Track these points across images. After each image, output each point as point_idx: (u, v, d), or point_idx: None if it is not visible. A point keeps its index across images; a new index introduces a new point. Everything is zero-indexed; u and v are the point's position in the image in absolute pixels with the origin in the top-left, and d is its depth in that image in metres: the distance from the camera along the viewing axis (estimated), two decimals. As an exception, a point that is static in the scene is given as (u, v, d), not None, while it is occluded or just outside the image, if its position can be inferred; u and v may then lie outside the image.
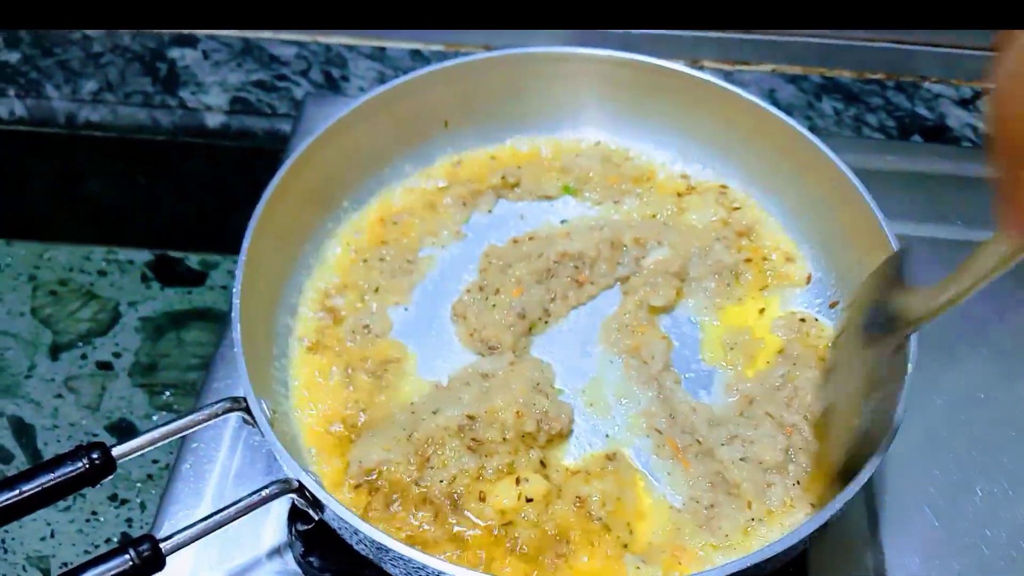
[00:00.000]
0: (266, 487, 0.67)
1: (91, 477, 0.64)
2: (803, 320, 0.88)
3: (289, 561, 0.81)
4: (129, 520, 1.18)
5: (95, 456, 0.64)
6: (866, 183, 0.87)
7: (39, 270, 1.38)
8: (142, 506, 1.19)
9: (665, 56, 1.00)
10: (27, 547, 1.17)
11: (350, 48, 1.28)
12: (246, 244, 0.80)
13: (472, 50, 1.26)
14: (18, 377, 1.28)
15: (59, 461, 0.64)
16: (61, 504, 1.19)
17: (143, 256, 1.39)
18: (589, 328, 0.90)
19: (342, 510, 0.65)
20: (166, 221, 1.39)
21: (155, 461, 1.22)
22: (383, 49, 1.28)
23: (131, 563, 0.60)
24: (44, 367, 1.30)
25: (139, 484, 1.20)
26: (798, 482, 0.76)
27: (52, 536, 1.17)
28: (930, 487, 0.87)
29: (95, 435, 1.24)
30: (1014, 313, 0.99)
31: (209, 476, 0.86)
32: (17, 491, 0.62)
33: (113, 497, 1.20)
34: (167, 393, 1.28)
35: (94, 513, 1.19)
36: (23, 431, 1.25)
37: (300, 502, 0.69)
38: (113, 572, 0.60)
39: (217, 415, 0.70)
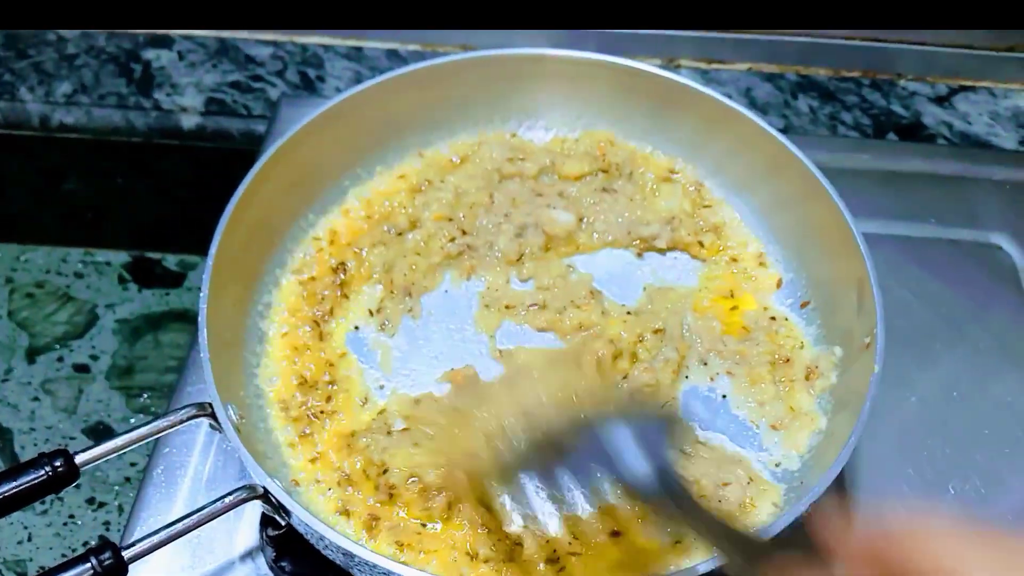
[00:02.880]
0: (231, 493, 0.66)
1: (54, 485, 0.64)
2: (773, 318, 0.88)
3: (261, 566, 0.80)
4: (107, 523, 1.18)
5: (58, 464, 0.64)
6: (840, 182, 0.87)
7: (15, 272, 1.37)
8: (120, 509, 1.19)
9: (641, 55, 1.00)
10: (4, 551, 1.16)
11: (326, 48, 1.27)
12: (214, 247, 0.79)
13: (449, 50, 1.26)
14: (-6, 380, 1.28)
15: (21, 469, 0.63)
16: (38, 507, 1.18)
17: (120, 258, 1.38)
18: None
19: (307, 516, 0.65)
20: (143, 223, 1.39)
21: (133, 464, 1.22)
22: (359, 49, 1.27)
23: (92, 571, 0.59)
24: (21, 370, 1.29)
25: (116, 487, 1.20)
26: (751, 479, 0.76)
27: (29, 539, 1.17)
28: (904, 485, 0.87)
29: (72, 438, 1.24)
30: (990, 312, 1.00)
31: (181, 481, 0.85)
32: (-22, 499, 0.61)
33: (91, 500, 1.19)
34: (144, 396, 1.27)
35: (71, 516, 1.18)
36: (0, 434, 1.24)
37: (267, 508, 0.69)
38: (75, 580, 0.59)
39: (182, 421, 0.69)
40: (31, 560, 1.16)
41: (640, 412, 0.69)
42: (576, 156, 1.00)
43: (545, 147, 1.02)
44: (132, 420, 1.26)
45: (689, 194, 0.98)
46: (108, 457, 0.68)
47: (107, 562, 0.60)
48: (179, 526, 0.64)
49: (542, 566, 0.73)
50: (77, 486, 1.17)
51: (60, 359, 1.30)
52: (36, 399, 1.26)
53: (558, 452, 0.66)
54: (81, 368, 1.29)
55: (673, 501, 0.59)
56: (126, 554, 0.62)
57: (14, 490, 0.62)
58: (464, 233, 0.94)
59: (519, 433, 0.67)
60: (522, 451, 0.67)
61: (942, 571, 0.40)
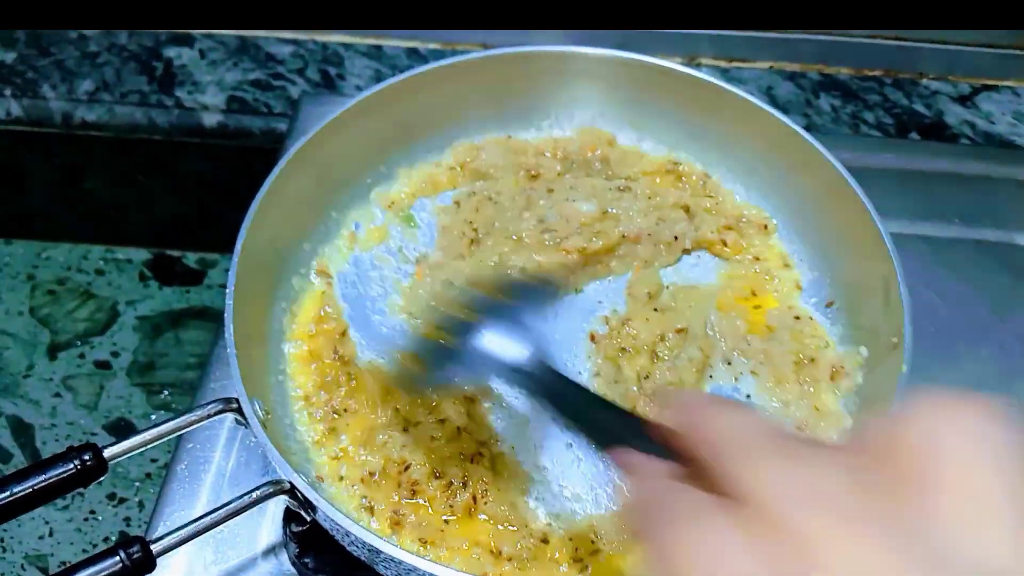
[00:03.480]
0: (257, 488, 0.67)
1: (82, 479, 0.64)
2: (797, 318, 0.88)
3: (284, 562, 0.81)
4: (127, 519, 1.19)
5: (86, 457, 0.64)
6: (863, 181, 0.87)
7: (37, 269, 1.38)
8: (140, 505, 1.20)
9: (661, 53, 0.99)
10: (25, 546, 1.17)
11: (347, 46, 1.28)
12: (240, 243, 0.80)
13: (469, 48, 1.26)
14: (16, 376, 1.29)
15: (50, 463, 0.63)
16: (59, 503, 1.19)
17: (141, 255, 1.39)
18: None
19: (333, 512, 0.65)
20: (164, 220, 1.39)
21: (154, 460, 1.23)
22: (379, 47, 1.28)
23: (121, 565, 0.60)
24: (42, 366, 1.30)
25: (137, 483, 1.20)
26: None
27: (50, 535, 1.17)
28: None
29: (94, 434, 1.24)
30: (1014, 312, 0.99)
31: (205, 477, 0.86)
32: (8, 492, 0.62)
33: (111, 496, 1.20)
34: (165, 392, 1.28)
35: (92, 512, 1.19)
36: (22, 430, 1.25)
37: (292, 503, 0.69)
38: (104, 574, 0.60)
39: (209, 416, 0.69)
40: (52, 555, 1.16)
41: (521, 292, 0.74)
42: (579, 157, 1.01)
43: (570, 143, 1.02)
44: (153, 416, 1.26)
45: (709, 193, 0.98)
46: (137, 451, 0.68)
47: (136, 556, 0.60)
48: (207, 520, 0.64)
49: (565, 567, 0.73)
50: (99, 482, 1.18)
51: (81, 356, 1.31)
52: (58, 395, 1.27)
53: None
54: (102, 365, 1.30)
55: (544, 383, 0.64)
56: (154, 548, 0.62)
57: (43, 483, 0.63)
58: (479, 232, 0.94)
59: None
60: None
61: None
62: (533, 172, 0.99)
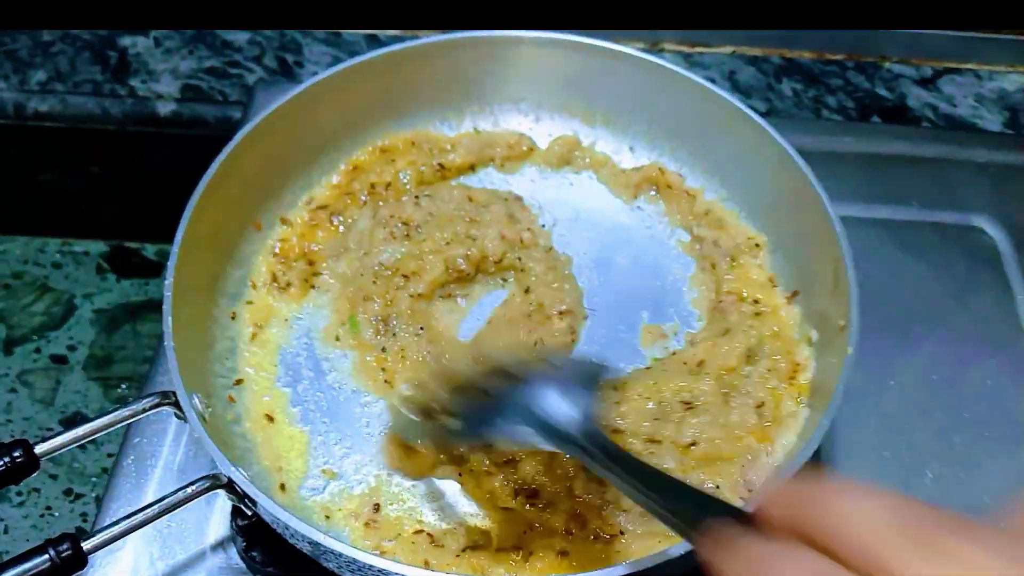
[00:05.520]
0: (192, 483, 0.65)
1: (12, 475, 0.63)
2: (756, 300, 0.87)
3: (233, 556, 0.79)
4: (84, 515, 1.17)
5: (16, 455, 0.63)
6: (823, 165, 0.85)
7: (-7, 263, 1.36)
8: (97, 500, 1.18)
9: (623, 39, 0.98)
10: (-19, 543, 1.15)
11: (304, 33, 1.26)
12: (181, 230, 0.78)
13: (427, 34, 1.24)
14: (-29, 372, 1.27)
15: (-22, 460, 0.62)
16: (15, 499, 1.17)
17: (98, 247, 1.37)
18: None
19: (272, 506, 0.64)
20: (121, 212, 1.37)
21: (111, 455, 1.21)
22: (338, 34, 1.26)
23: (50, 563, 0.58)
24: (-3, 361, 1.28)
25: (94, 479, 1.19)
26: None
27: (6, 532, 1.16)
28: (882, 469, 0.86)
29: (49, 429, 1.23)
30: (971, 295, 0.99)
31: (152, 472, 0.84)
32: (-66, 491, 0.60)
33: (68, 492, 1.18)
34: (123, 386, 1.26)
35: (48, 508, 1.17)
36: (-23, 426, 1.23)
37: (232, 498, 0.68)
38: (32, 572, 0.58)
39: (145, 410, 0.68)
40: (7, 552, 1.15)
41: (567, 366, 0.69)
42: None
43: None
44: (110, 411, 1.25)
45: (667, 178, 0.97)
46: (71, 447, 0.66)
47: (65, 553, 0.59)
48: (140, 516, 0.63)
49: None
50: (54, 477, 1.16)
51: (37, 350, 1.29)
52: (13, 390, 1.25)
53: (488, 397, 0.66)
54: (59, 359, 1.28)
55: (600, 451, 0.58)
56: (86, 545, 0.61)
57: (-29, 481, 0.61)
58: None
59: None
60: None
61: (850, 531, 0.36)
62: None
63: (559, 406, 0.61)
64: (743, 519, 0.41)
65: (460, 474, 0.76)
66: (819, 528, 0.37)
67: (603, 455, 0.57)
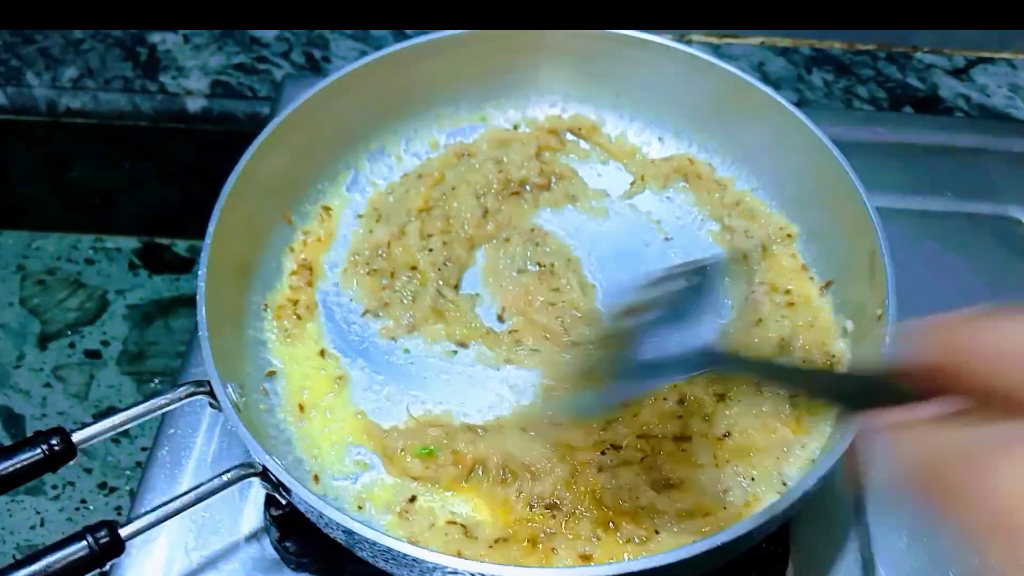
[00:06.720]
0: (228, 471, 0.66)
1: (51, 463, 0.63)
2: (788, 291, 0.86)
3: (267, 546, 0.80)
4: (118, 508, 1.18)
5: (54, 442, 0.63)
6: (855, 155, 0.84)
7: (27, 260, 1.38)
8: (131, 493, 1.19)
9: (653, 29, 0.98)
10: (17, 536, 1.17)
11: (332, 29, 1.26)
12: (213, 223, 0.79)
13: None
14: (7, 367, 1.28)
15: (18, 447, 0.63)
16: (50, 492, 1.19)
17: (130, 244, 1.38)
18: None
19: (307, 494, 0.64)
20: (152, 209, 1.39)
21: (144, 449, 1.22)
22: (366, 29, 1.26)
23: (89, 549, 0.59)
24: (32, 356, 1.29)
25: (128, 472, 1.20)
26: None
27: (42, 524, 1.17)
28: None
29: (84, 424, 1.24)
30: (1007, 285, 0.97)
31: (186, 462, 0.85)
32: (-25, 478, 0.61)
33: (102, 485, 1.20)
34: (155, 381, 1.27)
35: (83, 501, 1.19)
36: (12, 421, 1.25)
37: (266, 486, 0.68)
38: (71, 559, 0.59)
39: (181, 399, 0.69)
40: (44, 545, 1.16)
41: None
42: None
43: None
44: (143, 405, 1.26)
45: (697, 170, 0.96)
46: (108, 435, 0.67)
47: (103, 540, 0.59)
48: (176, 504, 0.63)
49: None
50: (88, 471, 1.17)
51: (71, 345, 1.30)
52: (48, 385, 1.26)
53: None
54: (92, 354, 1.29)
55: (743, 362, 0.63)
56: (123, 532, 0.61)
57: (11, 468, 0.62)
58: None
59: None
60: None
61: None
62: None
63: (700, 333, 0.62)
64: (892, 392, 0.40)
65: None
66: (979, 361, 0.36)
67: (750, 364, 0.63)
